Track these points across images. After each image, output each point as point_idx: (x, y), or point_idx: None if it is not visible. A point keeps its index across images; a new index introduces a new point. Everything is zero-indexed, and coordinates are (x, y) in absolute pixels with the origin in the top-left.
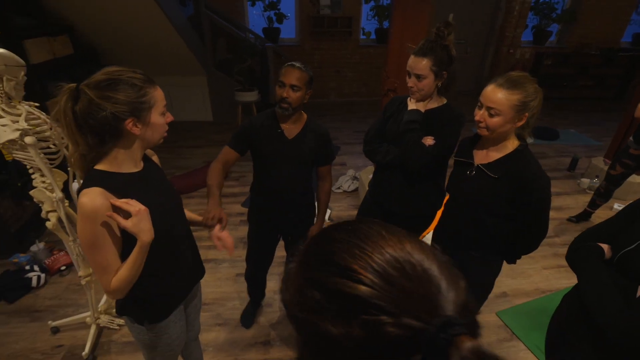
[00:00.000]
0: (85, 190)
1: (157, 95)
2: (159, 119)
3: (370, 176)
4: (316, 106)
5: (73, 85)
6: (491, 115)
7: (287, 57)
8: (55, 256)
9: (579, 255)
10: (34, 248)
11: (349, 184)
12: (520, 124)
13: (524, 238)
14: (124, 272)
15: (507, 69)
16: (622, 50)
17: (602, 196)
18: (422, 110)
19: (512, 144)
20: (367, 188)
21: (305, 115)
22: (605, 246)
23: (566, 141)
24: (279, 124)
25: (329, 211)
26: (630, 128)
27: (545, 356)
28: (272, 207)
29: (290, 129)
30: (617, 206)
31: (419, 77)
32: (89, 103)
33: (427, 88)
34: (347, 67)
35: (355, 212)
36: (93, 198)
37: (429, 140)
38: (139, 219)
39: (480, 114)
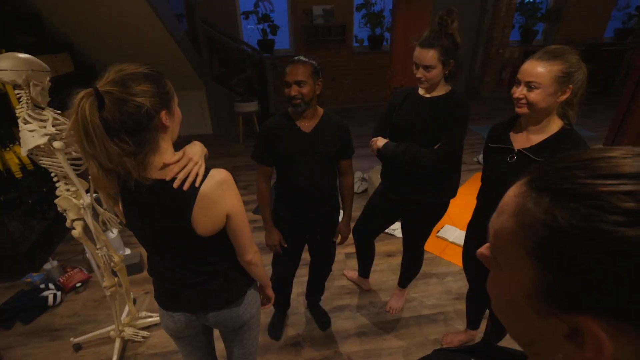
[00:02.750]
0: (215, 170)
1: (171, 84)
2: (178, 109)
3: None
4: None
5: (88, 90)
6: (530, 89)
7: (284, 67)
8: (69, 273)
9: None
10: (47, 266)
11: (357, 185)
12: (564, 97)
13: None
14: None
15: (498, 69)
16: (605, 46)
17: None
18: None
19: (556, 124)
20: (375, 183)
21: (321, 110)
22: None
23: None
24: (294, 122)
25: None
26: (625, 118)
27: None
28: (300, 206)
29: (307, 125)
30: None
31: (427, 68)
32: (120, 103)
33: (436, 78)
34: (342, 74)
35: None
36: (227, 171)
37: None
38: None
39: (519, 91)
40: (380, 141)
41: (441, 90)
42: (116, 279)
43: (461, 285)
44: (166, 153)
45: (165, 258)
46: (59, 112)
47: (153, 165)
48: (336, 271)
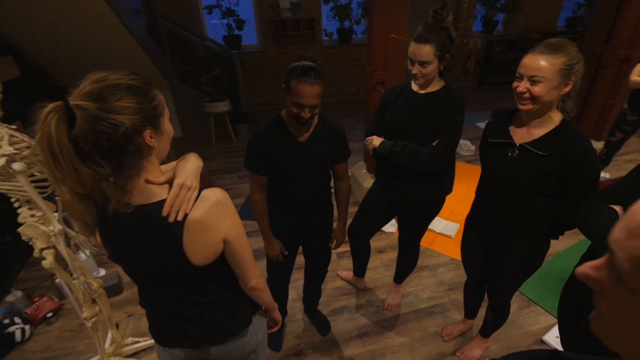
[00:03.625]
0: (207, 190)
1: (161, 97)
2: (169, 124)
3: (364, 171)
4: None
5: (58, 103)
6: (534, 83)
7: (252, 63)
8: (37, 303)
9: (593, 220)
10: (10, 298)
11: None
12: (566, 89)
13: (570, 214)
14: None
15: (463, 58)
16: (558, 34)
17: (602, 162)
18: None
19: (557, 117)
20: (361, 184)
21: (316, 117)
22: (618, 208)
23: None
24: (288, 129)
25: None
26: (586, 103)
27: (559, 322)
28: (294, 212)
29: (301, 132)
30: (603, 175)
31: (423, 63)
32: (95, 120)
33: (432, 73)
34: None
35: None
36: (221, 190)
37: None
38: None
39: (522, 85)
40: (376, 140)
41: (436, 86)
42: (97, 307)
43: (453, 275)
44: (152, 175)
45: (157, 289)
46: (13, 127)
47: (136, 190)
48: (330, 272)
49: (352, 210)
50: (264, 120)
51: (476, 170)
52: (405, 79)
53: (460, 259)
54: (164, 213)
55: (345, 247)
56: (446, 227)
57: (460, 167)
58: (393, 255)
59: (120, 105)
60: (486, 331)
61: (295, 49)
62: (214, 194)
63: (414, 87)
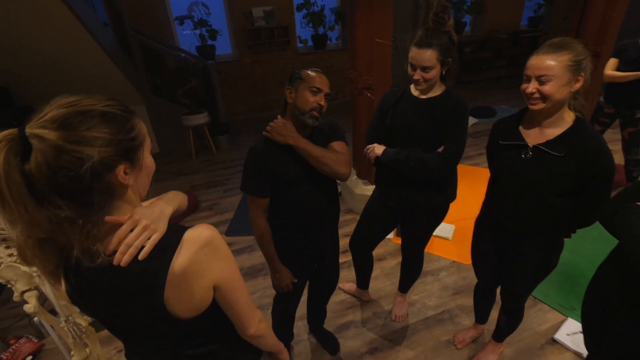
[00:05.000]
0: (191, 231)
1: (142, 126)
2: (150, 158)
3: (355, 177)
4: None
5: (13, 131)
6: (543, 83)
7: (229, 73)
8: (13, 347)
9: (622, 218)
10: None
11: None
12: (577, 86)
13: (585, 212)
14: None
15: None
16: (522, 33)
17: None
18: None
19: (569, 116)
20: (352, 190)
21: None
22: None
23: (502, 116)
24: None
25: None
26: None
27: (583, 323)
28: (307, 233)
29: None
30: None
31: (425, 69)
32: (55, 152)
33: (435, 78)
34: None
35: (347, 217)
36: (209, 227)
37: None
38: None
39: (531, 86)
40: (378, 148)
41: (437, 90)
42: (87, 349)
43: (456, 278)
44: (128, 214)
45: (140, 345)
46: None
47: (107, 235)
48: None
49: (344, 218)
50: (241, 129)
51: (466, 171)
52: (393, 83)
53: (460, 260)
54: (115, 261)
55: (344, 257)
56: (442, 230)
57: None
58: (393, 262)
59: (89, 135)
60: (500, 335)
61: (271, 57)
62: (201, 234)
63: (414, 92)
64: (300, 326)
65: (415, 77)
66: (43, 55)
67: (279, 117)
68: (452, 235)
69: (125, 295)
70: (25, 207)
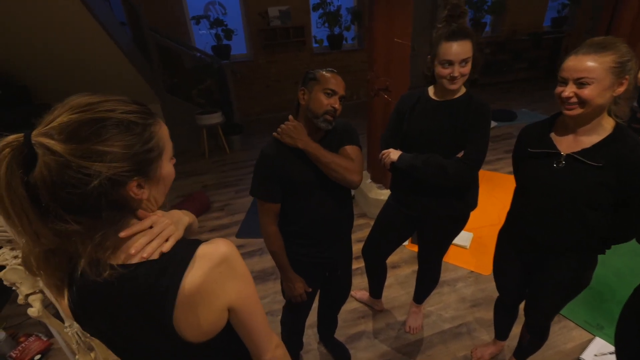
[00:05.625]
0: (205, 246)
1: (163, 133)
2: (169, 166)
3: (369, 181)
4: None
5: (18, 136)
6: (582, 86)
7: (244, 73)
8: (23, 344)
9: None
10: None
11: None
12: (621, 90)
13: (623, 227)
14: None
15: None
16: (545, 34)
17: None
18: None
19: (609, 123)
20: (367, 194)
21: None
22: None
23: (523, 120)
24: None
25: None
26: None
27: (617, 344)
28: (319, 241)
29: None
30: None
31: (463, 62)
32: (61, 168)
33: (468, 73)
34: None
35: (361, 221)
36: (226, 243)
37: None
38: None
39: (568, 90)
40: (394, 153)
41: (458, 92)
42: (92, 354)
43: (474, 290)
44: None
45: None
46: None
47: (118, 246)
48: None
49: (358, 222)
50: (255, 129)
51: (485, 176)
52: (410, 84)
53: (478, 271)
54: (136, 257)
55: (356, 264)
56: (460, 238)
57: None
58: (408, 270)
59: (100, 149)
60: (522, 354)
61: (286, 57)
62: (217, 249)
63: (433, 94)
64: (310, 335)
65: (454, 73)
66: (59, 54)
67: (290, 117)
68: (469, 244)
69: (130, 314)
70: (29, 221)
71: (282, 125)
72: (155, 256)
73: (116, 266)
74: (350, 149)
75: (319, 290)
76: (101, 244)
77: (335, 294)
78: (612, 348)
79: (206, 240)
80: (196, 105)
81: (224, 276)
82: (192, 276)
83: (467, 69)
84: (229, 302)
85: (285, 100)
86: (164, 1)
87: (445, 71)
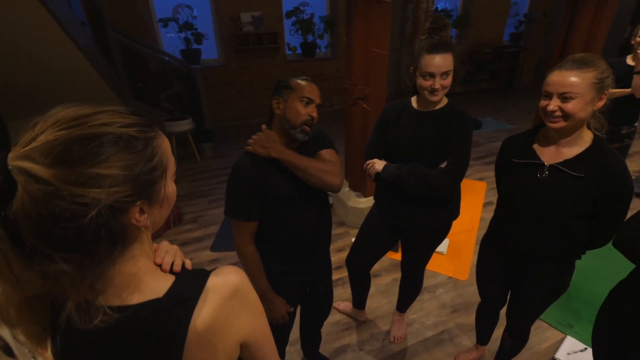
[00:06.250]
0: (215, 277)
1: (166, 147)
2: (173, 185)
3: (347, 189)
4: (250, 127)
5: None
6: (566, 100)
7: (214, 78)
8: None
9: None
10: None
11: None
12: (601, 104)
13: (599, 234)
14: None
15: None
16: (505, 48)
17: None
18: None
19: (588, 136)
20: (345, 203)
21: None
22: None
23: (489, 128)
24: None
25: None
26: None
27: (594, 346)
28: (300, 257)
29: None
30: None
31: (444, 74)
32: (49, 198)
33: (450, 85)
34: None
35: (339, 230)
36: (236, 271)
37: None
38: None
39: (552, 104)
40: (378, 164)
41: (441, 103)
42: None
43: (453, 296)
44: (140, 259)
45: None
46: None
47: (113, 284)
48: None
49: (336, 231)
50: (227, 136)
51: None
52: (388, 93)
53: (456, 276)
54: (164, 268)
55: (337, 274)
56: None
57: None
58: (389, 279)
59: (96, 172)
60: (503, 358)
61: (259, 63)
62: (228, 280)
63: (416, 105)
64: (293, 352)
65: (435, 85)
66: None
67: (263, 127)
68: (446, 250)
69: (135, 357)
70: (9, 266)
71: (254, 136)
72: (177, 269)
73: (110, 309)
74: (326, 153)
75: (299, 306)
76: (92, 287)
77: (317, 310)
78: (582, 346)
79: (213, 270)
80: (164, 111)
81: (236, 310)
82: (204, 313)
83: (448, 81)
84: (242, 338)
85: (258, 107)
86: (129, 1)
87: (427, 83)
